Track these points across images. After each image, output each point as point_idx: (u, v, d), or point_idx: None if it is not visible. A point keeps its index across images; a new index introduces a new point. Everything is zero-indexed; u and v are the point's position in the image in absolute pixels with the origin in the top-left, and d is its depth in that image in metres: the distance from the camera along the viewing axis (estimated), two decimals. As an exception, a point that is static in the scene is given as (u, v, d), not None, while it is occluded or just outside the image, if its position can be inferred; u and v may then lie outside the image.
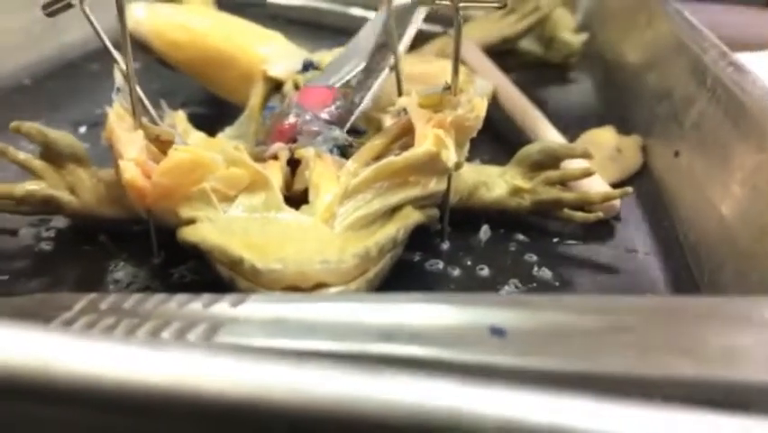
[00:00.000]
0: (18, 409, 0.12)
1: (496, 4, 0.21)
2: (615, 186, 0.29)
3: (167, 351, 0.11)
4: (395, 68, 0.25)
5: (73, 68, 0.44)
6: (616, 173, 0.31)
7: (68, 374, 0.11)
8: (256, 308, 0.16)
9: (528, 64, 0.47)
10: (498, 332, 0.13)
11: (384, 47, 0.28)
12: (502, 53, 0.45)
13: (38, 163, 0.26)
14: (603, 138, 0.33)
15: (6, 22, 0.42)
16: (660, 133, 0.33)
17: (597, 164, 0.29)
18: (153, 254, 0.25)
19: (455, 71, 0.23)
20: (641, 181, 0.31)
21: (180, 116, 0.30)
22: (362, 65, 0.28)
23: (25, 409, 0.12)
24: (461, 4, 0.22)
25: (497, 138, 0.35)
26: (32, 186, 0.26)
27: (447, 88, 0.24)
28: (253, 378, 0.10)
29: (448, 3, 0.22)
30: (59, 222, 0.27)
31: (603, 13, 0.52)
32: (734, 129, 0.25)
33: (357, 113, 0.26)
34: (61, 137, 0.26)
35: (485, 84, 0.36)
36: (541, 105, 0.37)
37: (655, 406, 0.10)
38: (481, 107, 0.23)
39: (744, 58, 0.28)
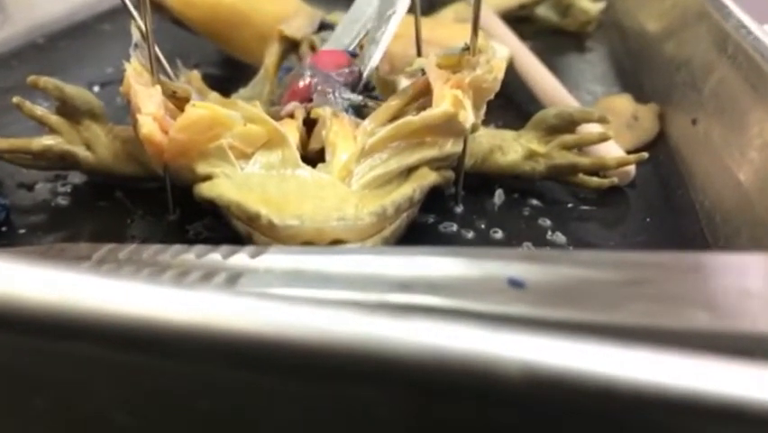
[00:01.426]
0: (45, 346, 0.12)
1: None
2: (631, 153, 0.28)
3: (192, 290, 0.11)
4: (417, 30, 0.25)
5: (85, 27, 0.44)
6: (632, 140, 0.31)
7: (95, 311, 0.11)
8: (275, 259, 0.16)
9: (545, 31, 0.47)
10: (516, 283, 0.13)
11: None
12: (519, 20, 0.45)
13: (54, 119, 0.26)
14: (620, 105, 0.33)
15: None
16: (677, 100, 0.32)
17: (613, 131, 0.29)
18: (169, 211, 0.25)
19: (474, 32, 0.23)
20: (657, 149, 0.31)
21: (195, 76, 0.30)
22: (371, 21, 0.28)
23: (52, 345, 0.12)
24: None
25: (512, 104, 0.35)
26: (48, 141, 0.26)
27: (466, 49, 0.23)
28: (276, 318, 0.11)
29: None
30: (76, 177, 0.27)
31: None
32: (754, 96, 0.25)
33: (369, 68, 0.26)
34: (78, 92, 0.26)
35: (501, 49, 0.35)
36: (557, 72, 0.36)
37: (677, 353, 0.10)
38: (500, 68, 0.23)
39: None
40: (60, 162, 0.26)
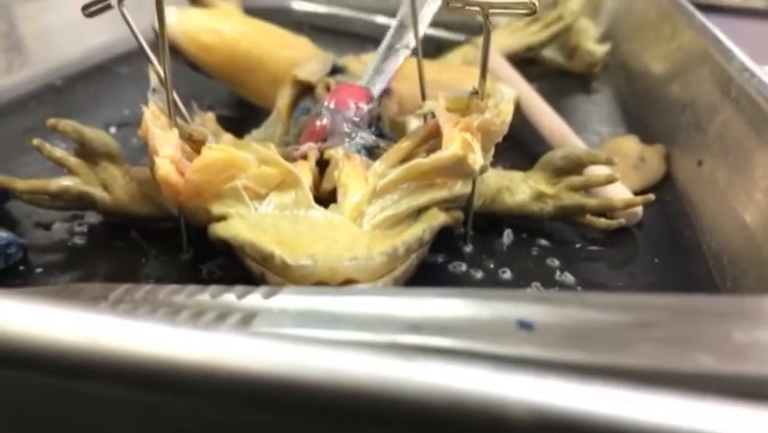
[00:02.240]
0: (62, 386, 0.12)
1: (525, 11, 0.22)
2: (637, 194, 0.29)
3: (207, 331, 0.11)
4: (419, 69, 0.25)
5: (102, 70, 0.45)
6: (639, 182, 0.31)
7: (113, 351, 0.11)
8: (289, 299, 0.16)
9: (551, 73, 0.47)
10: (525, 325, 0.13)
11: (401, 28, 0.28)
12: (525, 62, 0.45)
13: (73, 160, 0.27)
14: (626, 146, 0.33)
15: (37, 23, 0.43)
16: (683, 142, 0.33)
17: (620, 172, 0.29)
18: (183, 250, 0.25)
19: (483, 76, 0.23)
20: (664, 190, 0.31)
21: (210, 117, 0.31)
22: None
23: (69, 385, 0.12)
24: (491, 10, 0.22)
25: (519, 146, 0.35)
26: (66, 182, 0.26)
27: (474, 93, 0.24)
28: (290, 359, 0.11)
29: (478, 9, 0.22)
30: (92, 217, 0.28)
31: (626, 24, 0.52)
32: (758, 139, 0.26)
33: (376, 97, 0.27)
34: (96, 135, 0.27)
35: (508, 91, 0.36)
36: (564, 113, 0.37)
37: (682, 395, 0.10)
38: (508, 112, 0.24)
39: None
40: (78, 203, 0.27)
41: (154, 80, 0.26)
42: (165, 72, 0.23)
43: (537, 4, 0.21)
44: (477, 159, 0.23)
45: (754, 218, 0.25)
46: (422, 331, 0.13)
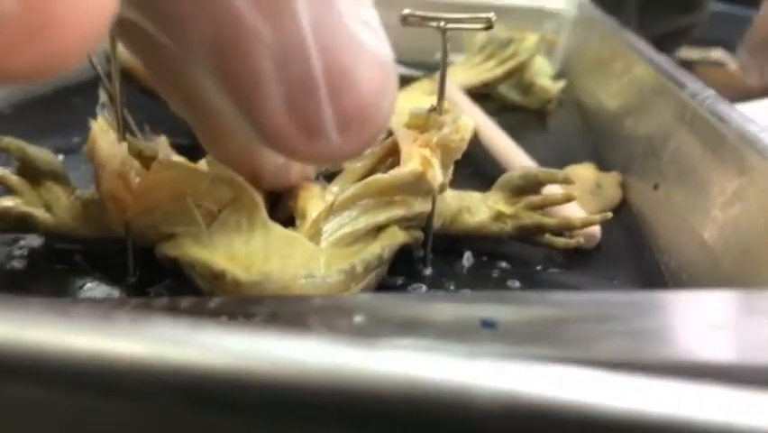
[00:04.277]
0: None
1: (481, 26, 0.22)
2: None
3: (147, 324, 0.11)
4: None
5: (54, 99, 0.44)
6: (596, 207, 0.31)
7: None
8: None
9: (508, 109, 0.48)
10: (489, 324, 0.13)
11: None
12: (482, 97, 0.46)
13: (15, 179, 0.25)
14: (583, 174, 0.33)
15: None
16: (638, 169, 0.33)
17: (577, 199, 0.29)
18: (129, 273, 0.24)
19: (441, 93, 0.23)
20: (621, 215, 0.31)
21: (163, 141, 0.30)
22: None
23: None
24: (449, 26, 0.22)
25: (479, 174, 0.35)
26: (7, 202, 0.25)
27: (432, 110, 0.24)
28: (238, 350, 0.10)
29: (435, 25, 0.22)
30: (33, 241, 0.26)
31: (580, 62, 0.53)
32: (713, 157, 0.26)
33: None
34: (40, 153, 0.25)
35: (467, 119, 0.36)
36: (521, 147, 0.37)
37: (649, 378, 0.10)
38: (466, 128, 0.23)
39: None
40: (19, 224, 0.25)
41: (103, 97, 0.25)
42: (115, 83, 0.23)
43: (494, 18, 0.21)
44: (436, 175, 0.22)
45: (711, 235, 0.25)
46: (381, 330, 0.13)
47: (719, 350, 0.12)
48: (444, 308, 0.13)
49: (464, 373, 0.09)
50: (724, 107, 0.26)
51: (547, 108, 0.48)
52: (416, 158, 0.22)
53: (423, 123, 0.24)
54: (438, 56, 0.23)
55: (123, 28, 0.18)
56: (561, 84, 0.49)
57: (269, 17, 0.14)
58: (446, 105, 0.24)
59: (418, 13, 0.22)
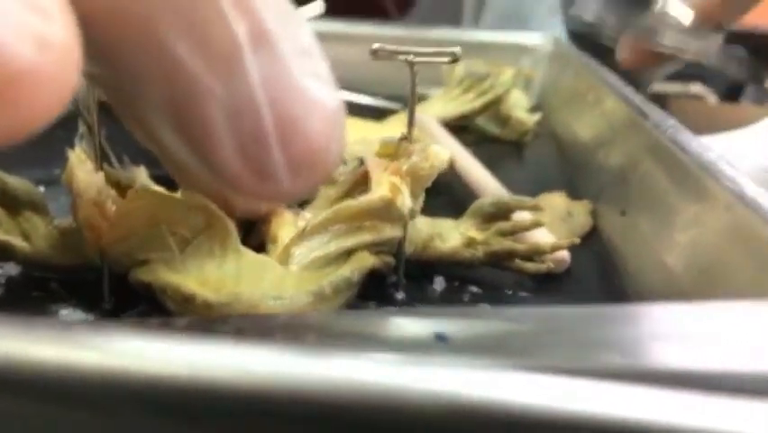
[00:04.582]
0: None
1: (447, 59, 0.23)
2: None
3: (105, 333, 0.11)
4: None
5: (38, 132, 0.45)
6: (567, 234, 0.32)
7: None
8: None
9: (485, 141, 0.49)
10: (441, 338, 0.13)
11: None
12: (460, 129, 0.47)
13: (-7, 209, 0.26)
14: (554, 202, 0.34)
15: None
16: (607, 197, 0.34)
17: (548, 226, 0.30)
18: (104, 299, 0.24)
19: (410, 122, 0.24)
20: (591, 242, 0.32)
21: (141, 171, 0.31)
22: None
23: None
24: (416, 59, 0.23)
25: (455, 203, 0.36)
26: (-16, 231, 0.25)
27: (403, 139, 0.25)
28: (190, 359, 0.11)
29: (403, 59, 0.23)
30: (11, 269, 0.27)
31: (556, 95, 0.55)
32: (674, 184, 0.27)
33: None
34: (19, 183, 0.26)
35: (442, 150, 0.37)
36: (497, 177, 0.38)
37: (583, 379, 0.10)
38: (436, 157, 0.24)
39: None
40: (-4, 253, 0.26)
41: (82, 128, 0.25)
42: (93, 115, 0.23)
43: (459, 53, 0.22)
44: (405, 201, 0.23)
45: (675, 261, 0.26)
46: (339, 344, 0.13)
47: (660, 357, 0.13)
48: (401, 324, 0.14)
49: (401, 376, 0.10)
50: (684, 136, 0.27)
51: (524, 140, 0.49)
52: (385, 185, 0.23)
53: (393, 151, 0.25)
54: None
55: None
56: (537, 116, 0.50)
57: (220, 75, 0.16)
58: (416, 134, 0.25)
59: (387, 47, 0.23)
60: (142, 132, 0.20)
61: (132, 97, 0.18)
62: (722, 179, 0.23)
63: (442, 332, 0.13)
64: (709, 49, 0.34)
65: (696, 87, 1.19)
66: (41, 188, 0.36)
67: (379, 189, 0.23)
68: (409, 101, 0.24)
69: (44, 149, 0.42)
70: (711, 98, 1.15)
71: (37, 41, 0.12)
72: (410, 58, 0.23)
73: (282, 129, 0.16)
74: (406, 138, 0.24)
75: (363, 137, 0.28)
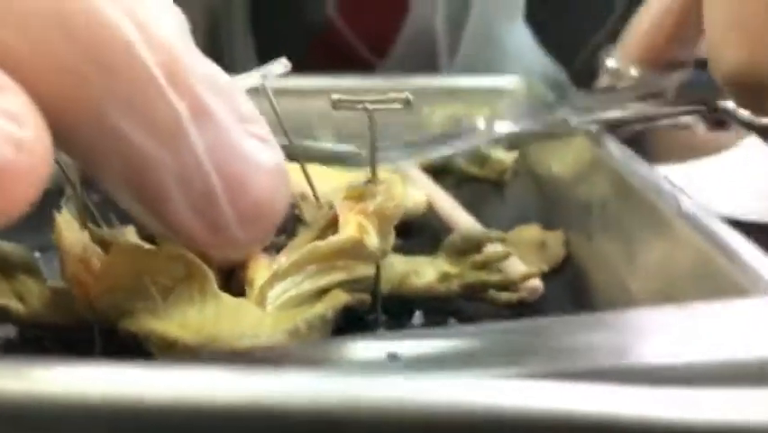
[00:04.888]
0: None
1: (400, 105, 0.24)
2: (540, 276, 0.31)
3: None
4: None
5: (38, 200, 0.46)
6: (541, 264, 0.33)
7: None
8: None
9: (466, 180, 0.51)
10: (393, 357, 0.14)
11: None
12: (439, 172, 0.49)
13: (-12, 274, 0.27)
14: (528, 234, 0.36)
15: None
16: (577, 225, 0.35)
17: (522, 256, 0.31)
18: (95, 352, 0.26)
19: (372, 165, 0.26)
20: (565, 270, 0.33)
21: (130, 231, 0.32)
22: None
23: None
24: (372, 106, 0.25)
25: (435, 244, 0.37)
26: (-19, 295, 0.27)
27: (368, 182, 0.26)
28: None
29: (361, 107, 0.25)
30: (9, 331, 0.28)
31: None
32: (627, 209, 0.28)
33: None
34: (13, 248, 0.28)
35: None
36: (478, 216, 0.40)
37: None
38: (400, 196, 0.26)
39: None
40: (-8, 316, 0.27)
41: (69, 191, 0.27)
42: (75, 178, 0.25)
43: (411, 98, 0.24)
44: (372, 240, 0.24)
45: (637, 286, 0.27)
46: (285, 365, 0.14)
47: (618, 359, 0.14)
48: (356, 347, 0.15)
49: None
50: (632, 159, 0.29)
51: (503, 179, 0.51)
52: (352, 225, 0.24)
53: (360, 194, 0.26)
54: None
55: None
56: (514, 154, 0.51)
57: (168, 148, 0.18)
58: (382, 176, 0.27)
59: (345, 97, 0.25)
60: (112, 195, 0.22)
61: (94, 172, 0.20)
62: (681, 211, 0.25)
63: (393, 352, 0.14)
64: (666, 92, 0.35)
65: (686, 119, 1.21)
66: (37, 254, 0.37)
67: (347, 230, 0.24)
68: (370, 146, 0.25)
69: (41, 217, 0.44)
70: (700, 128, 1.16)
71: (14, 144, 0.15)
72: (368, 106, 0.25)
73: (229, 189, 0.19)
74: (371, 180, 0.26)
75: (336, 185, 0.30)
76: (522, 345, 0.14)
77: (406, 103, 0.24)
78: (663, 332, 0.15)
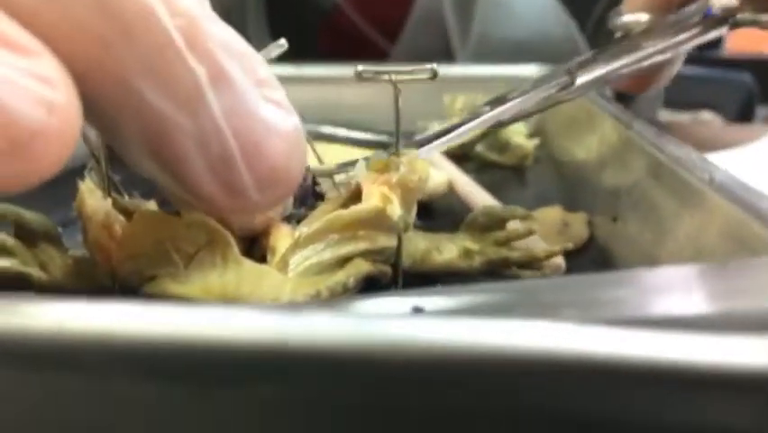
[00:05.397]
0: None
1: (426, 75, 0.24)
2: (565, 256, 0.30)
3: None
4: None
5: (60, 179, 0.47)
6: (563, 244, 0.33)
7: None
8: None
9: (487, 167, 0.50)
10: (418, 310, 0.14)
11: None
12: (461, 158, 0.48)
13: (11, 241, 0.27)
14: (550, 215, 0.35)
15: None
16: (602, 208, 0.35)
17: (545, 236, 0.31)
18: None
19: (397, 138, 0.25)
20: (588, 251, 0.33)
21: (152, 204, 0.32)
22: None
23: None
24: (397, 77, 0.24)
25: (457, 226, 0.37)
26: (4, 263, 0.27)
27: (393, 154, 0.26)
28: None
29: (386, 78, 0.25)
30: (29, 299, 0.28)
31: (555, 121, 0.56)
32: (659, 185, 0.28)
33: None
34: (35, 217, 0.28)
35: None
36: (498, 200, 0.39)
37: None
38: (423, 169, 0.25)
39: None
40: (15, 284, 0.27)
41: (92, 162, 0.27)
42: (101, 147, 0.25)
43: (437, 70, 0.24)
44: (395, 210, 0.24)
45: (666, 257, 0.26)
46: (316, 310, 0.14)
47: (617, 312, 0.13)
48: (381, 301, 0.15)
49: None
50: (664, 138, 0.28)
51: (524, 164, 0.50)
52: (376, 196, 0.24)
53: (383, 166, 0.26)
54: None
55: None
56: (535, 141, 0.51)
57: (186, 111, 0.18)
58: (406, 151, 0.26)
59: (370, 68, 0.25)
60: (133, 164, 0.22)
61: (116, 137, 0.21)
62: (713, 182, 0.24)
63: (418, 305, 0.14)
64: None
65: (706, 115, 1.20)
66: (60, 229, 0.37)
67: (371, 200, 0.24)
68: (395, 116, 0.25)
69: (65, 194, 0.44)
70: (717, 123, 1.16)
71: (46, 106, 0.15)
72: (393, 77, 0.25)
73: (246, 153, 0.19)
74: (395, 153, 0.26)
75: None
76: (549, 298, 0.14)
77: (433, 75, 0.24)
78: (689, 287, 0.15)
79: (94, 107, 0.19)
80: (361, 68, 0.25)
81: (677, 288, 0.15)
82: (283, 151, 0.20)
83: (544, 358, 0.10)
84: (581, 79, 0.29)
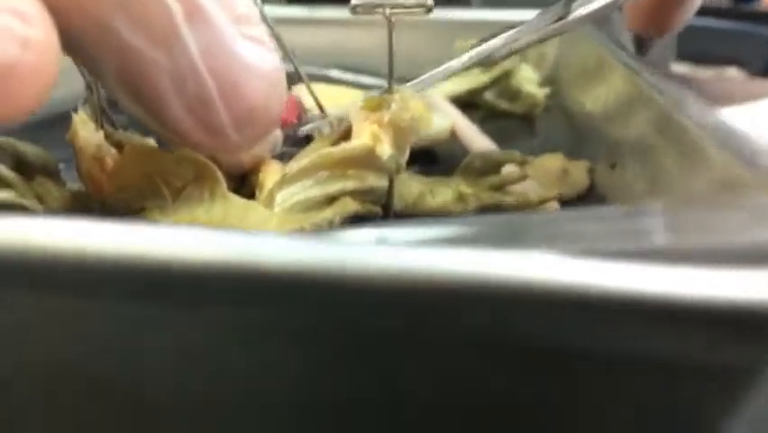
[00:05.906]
0: None
1: (422, 9, 0.24)
2: (562, 204, 0.30)
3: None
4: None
5: (60, 120, 0.47)
6: (563, 191, 0.32)
7: None
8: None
9: (495, 115, 0.50)
10: (382, 240, 0.14)
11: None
12: (468, 105, 0.48)
13: (9, 174, 0.28)
14: (551, 162, 0.35)
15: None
16: (605, 157, 0.34)
17: (544, 183, 0.31)
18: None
19: (390, 75, 0.25)
20: (588, 199, 0.33)
21: (150, 141, 0.32)
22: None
23: None
24: (392, 11, 0.24)
25: (454, 168, 0.37)
26: (2, 195, 0.27)
27: (385, 92, 0.26)
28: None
29: (381, 11, 0.24)
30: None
31: (567, 70, 0.55)
32: (657, 134, 0.27)
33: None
34: (32, 150, 0.28)
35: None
36: (503, 149, 0.39)
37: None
38: (416, 108, 0.25)
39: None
40: (12, 215, 0.27)
41: (85, 93, 0.27)
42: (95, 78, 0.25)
43: (431, 4, 0.23)
44: (385, 149, 0.24)
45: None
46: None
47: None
48: (347, 233, 0.15)
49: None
50: (669, 86, 0.27)
51: (533, 113, 0.49)
52: (366, 133, 0.24)
53: (376, 104, 0.26)
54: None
55: None
56: (546, 90, 0.50)
57: (162, 49, 0.18)
58: (400, 90, 0.26)
59: (364, 1, 0.24)
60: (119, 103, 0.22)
61: (99, 76, 0.21)
62: (713, 134, 0.23)
63: (382, 237, 0.14)
64: None
65: (731, 72, 1.17)
66: (61, 165, 0.38)
67: (361, 138, 0.24)
68: (388, 53, 0.25)
69: (63, 132, 0.45)
70: (739, 77, 1.13)
71: (20, 42, 0.15)
72: (388, 12, 0.24)
73: (224, 93, 0.19)
74: (388, 91, 0.25)
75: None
76: (520, 231, 0.14)
77: (428, 10, 0.23)
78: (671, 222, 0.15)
79: (75, 46, 0.19)
80: (355, 2, 0.24)
81: (648, 223, 0.14)
82: (262, 90, 0.20)
83: (484, 285, 0.10)
84: (577, 12, 0.29)
